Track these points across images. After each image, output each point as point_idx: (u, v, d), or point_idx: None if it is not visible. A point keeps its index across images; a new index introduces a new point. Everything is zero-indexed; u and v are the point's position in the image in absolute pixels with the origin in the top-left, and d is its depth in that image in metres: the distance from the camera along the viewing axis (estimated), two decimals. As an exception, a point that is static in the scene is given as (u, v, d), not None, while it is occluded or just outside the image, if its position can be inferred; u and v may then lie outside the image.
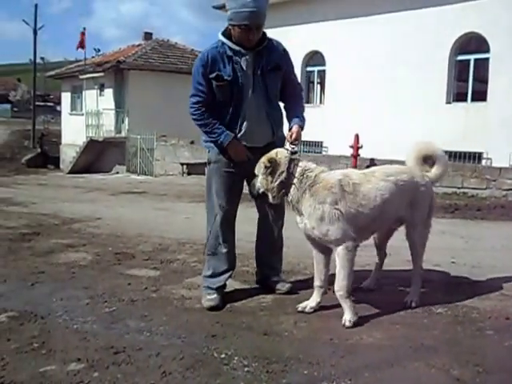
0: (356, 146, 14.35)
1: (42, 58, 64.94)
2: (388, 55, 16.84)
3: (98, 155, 28.30)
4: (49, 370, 3.15)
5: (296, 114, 4.29)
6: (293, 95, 4.41)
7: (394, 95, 16.69)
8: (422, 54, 16.00)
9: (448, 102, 16.15)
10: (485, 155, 14.91)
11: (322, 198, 3.85)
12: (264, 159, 3.98)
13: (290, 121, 4.26)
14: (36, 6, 37.10)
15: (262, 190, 4.06)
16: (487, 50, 15.21)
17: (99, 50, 42.84)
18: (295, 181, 3.93)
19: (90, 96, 29.25)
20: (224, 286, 4.47)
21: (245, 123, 4.21)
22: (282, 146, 4.24)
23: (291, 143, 4.08)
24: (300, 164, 3.98)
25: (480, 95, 15.52)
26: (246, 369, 3.16)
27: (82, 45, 29.78)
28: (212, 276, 4.43)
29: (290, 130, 4.18)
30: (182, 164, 20.55)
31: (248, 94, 4.16)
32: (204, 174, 18.77)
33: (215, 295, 4.31)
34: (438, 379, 3.07)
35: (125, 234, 7.47)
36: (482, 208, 10.51)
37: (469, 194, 12.21)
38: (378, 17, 17.07)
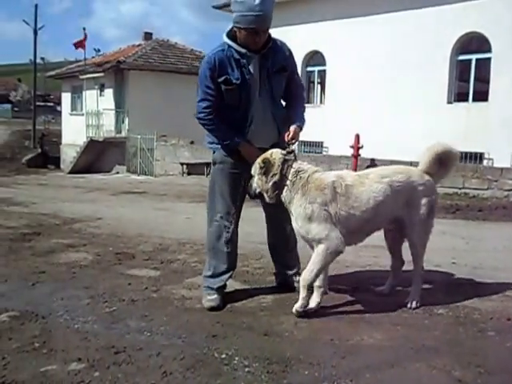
0: (356, 146, 14.35)
1: (43, 58, 64.99)
2: (388, 55, 16.81)
3: (98, 155, 28.31)
4: (50, 370, 3.15)
5: (296, 113, 4.30)
6: (294, 95, 4.42)
7: (394, 95, 16.67)
8: (423, 53, 15.97)
9: (449, 102, 16.12)
10: (486, 155, 14.88)
11: (313, 198, 3.88)
12: (259, 160, 4.02)
13: (292, 118, 4.26)
14: (36, 6, 37.20)
15: (258, 191, 4.10)
16: (489, 50, 15.17)
17: (99, 50, 42.97)
18: (288, 182, 3.97)
19: (90, 96, 29.26)
20: (224, 286, 4.47)
21: (252, 125, 4.22)
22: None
23: (287, 142, 4.09)
24: (294, 165, 4.01)
25: (481, 95, 15.47)
26: (246, 369, 3.16)
27: (81, 45, 29.76)
28: (212, 276, 4.43)
29: (288, 129, 4.19)
30: (182, 164, 20.58)
31: (255, 96, 4.17)
32: (204, 174, 18.90)
33: (215, 295, 4.31)
34: (440, 380, 3.07)
35: (125, 233, 7.48)
36: (484, 208, 10.48)
37: (470, 195, 12.19)
38: (378, 17, 17.05)
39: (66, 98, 34.00)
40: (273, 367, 3.17)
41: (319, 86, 20.68)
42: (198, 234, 7.35)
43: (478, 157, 15.07)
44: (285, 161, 3.99)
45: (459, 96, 16.23)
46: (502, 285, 4.82)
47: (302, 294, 4.00)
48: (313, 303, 4.11)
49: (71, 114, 33.10)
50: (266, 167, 3.97)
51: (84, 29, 30.42)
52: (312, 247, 4.04)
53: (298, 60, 18.79)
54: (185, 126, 24.73)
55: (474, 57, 15.88)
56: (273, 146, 4.19)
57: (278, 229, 4.57)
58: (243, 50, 4.07)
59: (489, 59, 15.23)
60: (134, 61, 27.28)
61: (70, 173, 27.21)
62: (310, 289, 4.04)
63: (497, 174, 12.21)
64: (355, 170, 12.61)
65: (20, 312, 4.11)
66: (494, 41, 14.88)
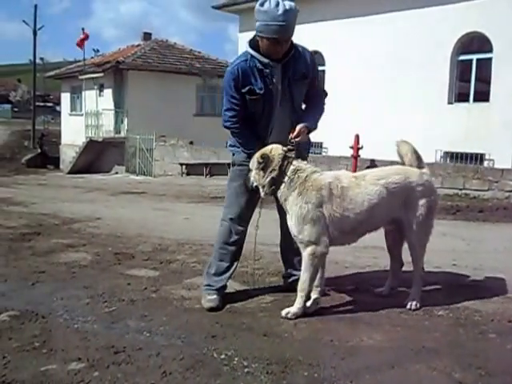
0: (356, 147, 14.31)
1: (42, 59, 64.99)
2: (388, 55, 16.75)
3: (97, 155, 28.31)
4: (50, 369, 3.16)
5: (307, 116, 4.30)
6: (313, 101, 4.41)
7: (394, 95, 16.61)
8: (423, 53, 15.89)
9: (450, 103, 16.05)
10: (487, 156, 14.81)
11: (309, 199, 3.92)
12: (257, 154, 4.06)
13: (302, 119, 4.27)
14: (36, 6, 37.26)
15: (255, 185, 4.14)
16: (490, 50, 15.07)
17: (98, 51, 42.93)
18: (286, 179, 4.00)
19: (89, 96, 29.24)
20: (225, 286, 4.48)
21: (272, 133, 4.27)
22: (304, 150, 4.39)
23: (289, 140, 4.10)
24: (294, 163, 4.04)
25: (482, 96, 15.39)
26: (246, 369, 3.17)
27: (82, 43, 29.76)
28: (215, 274, 4.45)
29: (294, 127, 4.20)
30: (181, 164, 20.58)
31: (277, 104, 4.20)
32: (203, 174, 18.92)
33: (215, 296, 4.32)
34: (440, 382, 3.07)
35: (124, 234, 7.49)
36: (484, 209, 10.44)
37: (471, 196, 12.13)
38: (378, 16, 16.98)
39: (66, 98, 33.98)
40: (272, 368, 3.18)
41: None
42: (197, 234, 7.38)
43: (478, 158, 15.02)
44: (285, 157, 4.02)
45: (460, 96, 16.15)
46: (503, 286, 4.81)
47: (299, 299, 4.03)
48: (309, 303, 4.12)
49: (70, 115, 33.08)
50: (265, 162, 4.01)
51: (83, 29, 30.46)
52: (298, 245, 4.11)
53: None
54: (184, 127, 24.85)
55: (474, 57, 15.78)
56: None
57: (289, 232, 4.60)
58: (266, 60, 4.09)
59: (490, 59, 15.13)
60: (133, 61, 27.28)
61: (70, 173, 27.20)
62: (308, 298, 4.07)
63: (497, 174, 12.15)
64: (355, 170, 12.61)
65: (20, 311, 4.11)
66: (495, 41, 14.79)
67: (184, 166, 20.44)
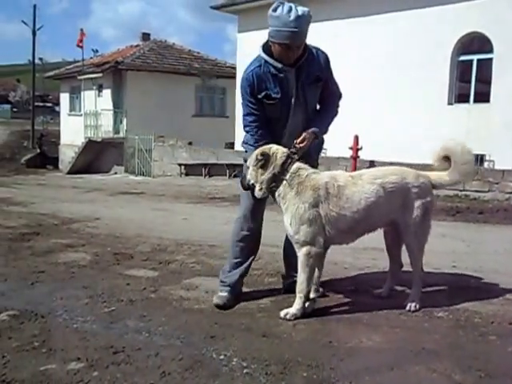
0: (355, 148, 14.30)
1: (41, 59, 64.88)
2: (388, 55, 16.65)
3: (96, 156, 28.31)
4: (49, 369, 3.17)
5: (315, 120, 4.30)
6: (325, 103, 4.43)
7: (394, 96, 16.51)
8: (424, 53, 15.77)
9: (450, 103, 15.94)
10: (487, 157, 14.70)
11: (306, 198, 3.94)
12: (257, 151, 4.07)
13: (311, 124, 4.28)
14: (35, 6, 37.14)
15: (251, 182, 4.14)
16: (490, 50, 14.95)
17: (97, 51, 42.84)
18: (287, 176, 4.00)
19: (88, 97, 29.26)
20: (238, 283, 4.51)
21: (286, 134, 4.28)
22: (315, 152, 4.44)
23: (294, 144, 4.11)
24: (296, 163, 4.05)
25: (483, 96, 15.26)
26: (244, 370, 3.17)
27: (80, 44, 29.78)
28: (229, 270, 4.51)
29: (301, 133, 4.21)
30: (180, 165, 20.57)
31: (291, 108, 4.21)
32: (201, 174, 18.93)
33: (226, 293, 4.37)
34: (440, 384, 3.07)
35: (123, 234, 7.49)
36: (485, 211, 10.41)
37: (471, 197, 12.08)
38: (378, 16, 16.88)
39: (65, 98, 33.99)
40: (271, 369, 3.18)
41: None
42: (196, 234, 7.39)
43: (478, 159, 14.93)
44: (288, 156, 4.04)
45: (460, 97, 16.01)
46: (503, 288, 4.80)
47: (298, 300, 4.05)
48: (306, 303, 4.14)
49: (69, 115, 33.06)
50: (265, 160, 4.02)
51: (81, 29, 30.47)
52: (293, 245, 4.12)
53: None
54: (183, 127, 24.87)
55: (475, 57, 15.64)
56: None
57: None
58: (279, 65, 4.10)
59: (490, 60, 15.00)
60: (132, 61, 27.30)
61: (69, 173, 27.21)
62: (307, 299, 4.07)
63: (498, 176, 12.11)
64: (354, 171, 12.58)
65: (20, 311, 4.12)
66: (496, 41, 14.65)
67: (183, 167, 20.44)
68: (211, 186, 15.68)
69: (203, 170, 19.38)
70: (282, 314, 4.02)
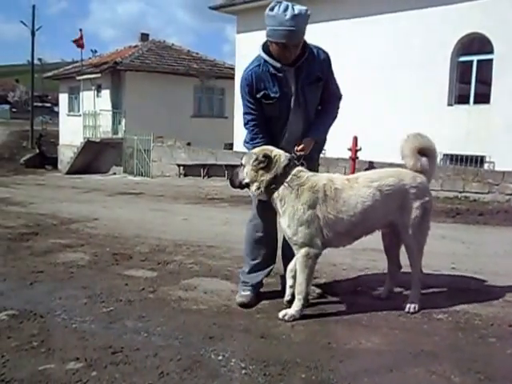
0: (354, 149, 14.29)
1: (40, 59, 65.08)
2: (388, 55, 16.59)
3: (95, 156, 28.28)
4: (48, 369, 3.17)
5: (315, 124, 4.32)
6: (326, 104, 4.43)
7: (394, 96, 16.44)
8: (423, 54, 15.70)
9: (450, 104, 15.88)
10: (487, 159, 14.67)
11: (305, 200, 3.95)
12: (258, 151, 4.06)
13: (311, 129, 4.30)
14: (34, 7, 37.18)
15: (246, 181, 4.13)
16: (491, 51, 14.89)
17: (96, 51, 42.94)
18: (288, 179, 4.01)
19: (87, 97, 29.26)
20: (261, 283, 4.55)
21: (286, 134, 4.30)
22: (317, 151, 4.48)
23: (294, 152, 4.13)
24: (297, 166, 4.06)
25: (483, 97, 15.21)
26: (243, 371, 3.18)
27: (80, 44, 29.77)
28: (249, 272, 4.52)
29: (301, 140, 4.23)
30: (179, 165, 20.56)
31: (291, 108, 4.22)
32: (200, 175, 18.92)
33: (248, 292, 4.40)
34: (439, 386, 3.06)
35: (122, 234, 7.50)
36: (485, 213, 10.38)
37: (471, 199, 12.06)
38: (378, 17, 16.82)
39: (64, 98, 33.97)
40: (270, 370, 3.18)
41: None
42: (195, 235, 7.40)
43: (478, 160, 14.90)
44: (291, 159, 4.05)
45: (460, 98, 15.94)
46: (503, 290, 4.77)
47: (298, 302, 4.05)
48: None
49: (68, 115, 33.03)
50: (268, 161, 4.00)
51: (80, 30, 30.48)
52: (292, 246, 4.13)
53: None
54: (181, 128, 24.89)
55: (475, 58, 15.58)
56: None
57: None
58: (278, 65, 4.11)
59: (490, 60, 14.95)
60: (131, 62, 27.26)
61: (68, 173, 27.18)
62: (306, 301, 4.08)
63: (498, 177, 12.08)
64: (353, 172, 12.58)
65: (19, 311, 4.13)
66: (496, 42, 14.58)
67: (181, 167, 20.43)
68: (210, 187, 15.68)
69: (202, 170, 19.38)
70: (281, 314, 4.03)
